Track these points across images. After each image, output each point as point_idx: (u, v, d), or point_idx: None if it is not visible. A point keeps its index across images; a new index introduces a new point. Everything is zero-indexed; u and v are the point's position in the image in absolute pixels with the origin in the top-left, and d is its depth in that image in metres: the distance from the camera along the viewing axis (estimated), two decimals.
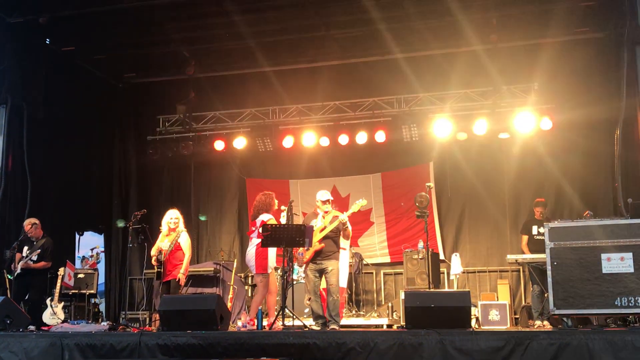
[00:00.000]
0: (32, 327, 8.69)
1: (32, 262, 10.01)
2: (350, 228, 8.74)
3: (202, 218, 13.60)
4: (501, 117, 11.50)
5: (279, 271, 9.45)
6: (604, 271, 6.45)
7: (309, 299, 8.67)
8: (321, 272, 8.51)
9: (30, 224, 10.15)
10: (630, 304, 6.33)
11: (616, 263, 6.42)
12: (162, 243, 9.21)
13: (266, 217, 8.75)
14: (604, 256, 6.47)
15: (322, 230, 8.49)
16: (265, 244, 8.21)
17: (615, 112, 9.94)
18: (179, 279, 9.05)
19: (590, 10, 11.02)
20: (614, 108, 10.31)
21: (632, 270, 6.38)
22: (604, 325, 8.24)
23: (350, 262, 11.23)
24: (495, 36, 11.11)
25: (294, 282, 10.31)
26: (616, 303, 6.38)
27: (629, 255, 6.40)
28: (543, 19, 11.36)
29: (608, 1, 10.38)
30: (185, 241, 9.28)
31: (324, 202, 8.64)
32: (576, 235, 6.61)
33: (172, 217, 9.35)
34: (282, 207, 9.20)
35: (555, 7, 11.00)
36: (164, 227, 9.36)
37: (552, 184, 11.94)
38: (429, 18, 11.37)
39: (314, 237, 8.42)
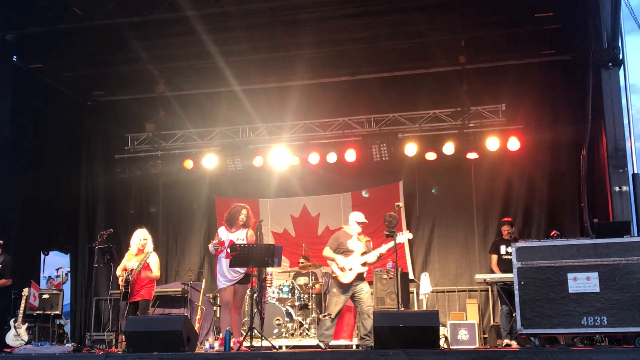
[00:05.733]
0: None
1: None
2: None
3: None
4: (469, 138, 11.60)
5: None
6: (570, 291, 6.49)
7: (325, 315, 8.74)
8: (352, 294, 8.68)
9: None
10: (597, 324, 6.37)
11: (582, 283, 6.47)
12: (129, 262, 9.06)
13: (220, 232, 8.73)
14: (570, 276, 6.51)
15: (363, 254, 8.79)
16: (233, 264, 8.13)
17: (581, 133, 10.05)
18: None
19: (556, 33, 11.24)
20: (579, 129, 10.47)
21: (597, 289, 6.42)
22: (571, 344, 8.29)
23: (320, 282, 11.20)
24: (463, 58, 11.25)
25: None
26: (582, 322, 6.41)
27: (595, 274, 6.45)
28: (510, 41, 11.56)
29: (573, 25, 10.58)
30: (154, 262, 9.17)
31: (359, 224, 8.98)
32: (543, 255, 6.64)
33: (140, 238, 9.22)
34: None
35: (522, 30, 11.22)
36: (132, 247, 9.22)
37: (520, 204, 12.07)
38: (399, 39, 11.49)
39: (357, 259, 8.68)
